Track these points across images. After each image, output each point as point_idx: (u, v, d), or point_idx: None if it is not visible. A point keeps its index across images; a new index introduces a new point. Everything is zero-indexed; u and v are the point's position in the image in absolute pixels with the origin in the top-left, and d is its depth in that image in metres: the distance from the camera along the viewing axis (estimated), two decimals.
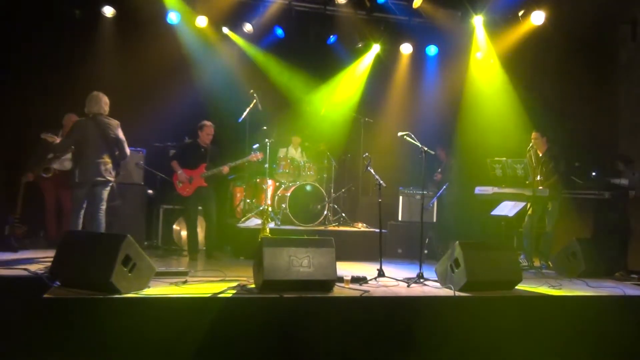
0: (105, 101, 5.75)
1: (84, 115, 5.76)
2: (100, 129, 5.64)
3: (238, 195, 8.23)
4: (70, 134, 5.75)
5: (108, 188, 5.73)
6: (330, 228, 7.69)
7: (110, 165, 5.69)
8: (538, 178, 6.67)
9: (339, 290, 4.72)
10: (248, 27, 8.52)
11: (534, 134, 6.98)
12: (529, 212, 6.87)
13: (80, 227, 5.62)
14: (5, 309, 4.35)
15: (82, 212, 5.63)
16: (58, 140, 6.12)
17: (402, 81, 9.61)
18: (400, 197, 8.27)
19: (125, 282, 4.14)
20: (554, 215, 6.85)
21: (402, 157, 8.52)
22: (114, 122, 5.76)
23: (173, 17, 8.20)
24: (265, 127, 7.88)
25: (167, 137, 7.99)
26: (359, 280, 5.13)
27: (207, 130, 6.76)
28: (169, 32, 8.24)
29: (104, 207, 5.70)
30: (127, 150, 5.87)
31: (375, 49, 9.28)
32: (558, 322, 4.80)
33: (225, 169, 6.78)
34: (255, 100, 7.48)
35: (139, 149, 7.47)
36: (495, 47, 9.07)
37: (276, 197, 7.91)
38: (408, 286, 5.14)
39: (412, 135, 5.88)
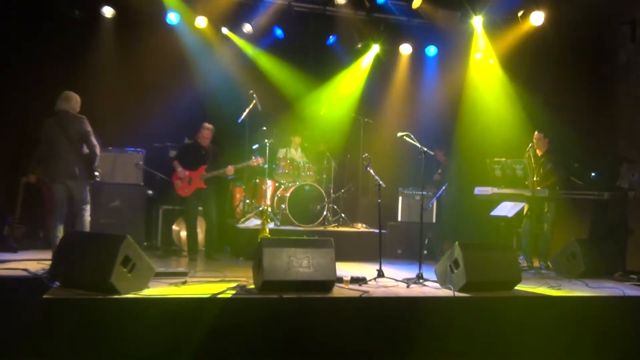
0: (76, 100, 5.63)
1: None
2: (62, 127, 5.49)
3: (237, 195, 8.23)
4: (39, 135, 5.62)
5: (85, 187, 5.57)
6: (330, 228, 7.68)
7: (82, 164, 5.50)
8: (535, 179, 6.67)
9: (338, 291, 4.72)
10: (248, 28, 8.53)
11: (536, 134, 6.99)
12: (528, 212, 6.87)
13: (57, 229, 5.44)
14: (5, 309, 4.35)
15: (60, 212, 5.51)
16: None
17: (402, 82, 9.61)
18: (400, 198, 8.27)
19: (125, 282, 4.14)
20: (550, 216, 6.86)
21: (401, 158, 8.52)
22: (79, 117, 5.56)
23: (172, 18, 8.20)
24: (264, 128, 7.90)
25: (167, 138, 7.99)
26: (358, 280, 5.14)
27: (204, 133, 6.75)
28: (169, 32, 8.24)
29: (85, 206, 5.57)
30: (94, 143, 5.54)
31: (375, 49, 9.28)
32: (558, 322, 4.81)
33: (230, 169, 6.77)
34: (254, 101, 7.48)
35: (138, 149, 7.48)
36: (495, 48, 9.08)
37: (276, 198, 7.91)
38: (407, 287, 5.14)
39: (412, 136, 5.88)
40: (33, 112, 7.07)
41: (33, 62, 7.37)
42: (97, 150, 5.55)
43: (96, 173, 5.57)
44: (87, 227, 5.58)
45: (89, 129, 5.55)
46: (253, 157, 7.11)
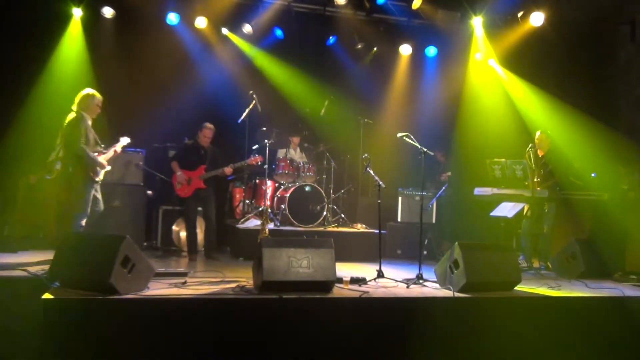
0: (85, 97, 5.58)
1: None
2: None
3: (237, 196, 8.23)
4: None
5: (79, 189, 5.47)
6: (330, 229, 7.68)
7: (74, 164, 5.50)
8: (536, 179, 6.67)
9: (338, 291, 4.72)
10: (247, 28, 8.53)
11: (538, 135, 6.98)
12: (527, 213, 6.87)
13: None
14: (5, 309, 4.35)
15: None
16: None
17: (402, 82, 9.61)
18: (400, 198, 8.27)
19: (125, 282, 4.14)
20: (550, 216, 6.86)
21: (401, 158, 8.52)
22: (72, 115, 5.53)
23: (172, 18, 8.20)
24: (264, 128, 7.89)
25: (167, 138, 7.99)
26: (358, 281, 5.14)
27: (205, 132, 6.77)
28: (169, 33, 8.24)
29: (78, 214, 5.44)
30: (76, 143, 5.43)
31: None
32: (557, 323, 4.81)
33: (228, 169, 6.78)
34: (254, 101, 7.49)
35: (138, 149, 7.48)
36: (495, 48, 9.08)
37: (275, 198, 7.91)
38: (407, 287, 5.14)
39: (412, 136, 5.88)
40: (31, 112, 7.11)
41: (31, 62, 7.37)
42: (81, 151, 5.43)
43: (94, 175, 5.51)
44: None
45: (72, 129, 5.46)
46: (252, 156, 7.12)
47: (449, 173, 8.28)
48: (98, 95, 5.69)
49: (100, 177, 5.60)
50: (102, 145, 5.77)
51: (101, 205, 5.76)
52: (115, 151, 5.82)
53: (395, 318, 4.49)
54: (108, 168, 5.72)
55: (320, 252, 4.62)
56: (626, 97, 8.25)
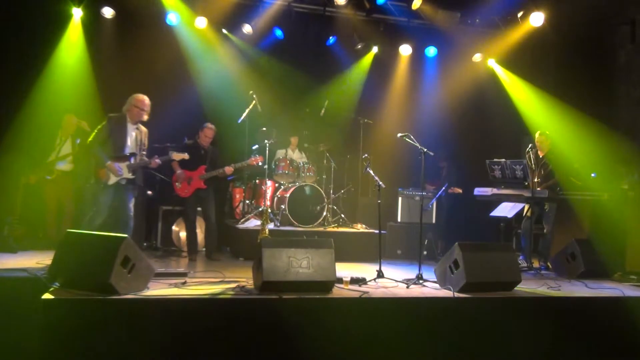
0: (131, 99, 5.70)
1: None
2: None
3: (237, 196, 8.23)
4: None
5: (90, 190, 5.70)
6: (330, 229, 7.68)
7: (92, 165, 5.70)
8: (536, 180, 6.67)
9: (338, 291, 4.72)
10: (247, 28, 8.52)
11: (539, 135, 6.98)
12: (527, 213, 6.87)
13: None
14: (5, 309, 4.35)
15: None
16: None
17: (402, 82, 9.60)
18: (400, 198, 8.27)
19: (124, 283, 4.14)
20: (551, 216, 6.86)
21: (401, 158, 8.52)
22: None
23: (172, 18, 8.19)
24: (264, 128, 7.89)
25: (167, 138, 7.96)
26: (358, 281, 5.14)
27: (206, 132, 6.77)
28: (169, 33, 8.24)
29: (91, 211, 5.59)
30: (90, 146, 5.67)
31: (374, 50, 9.29)
32: (557, 323, 4.81)
33: (229, 169, 6.78)
34: (254, 102, 7.49)
35: None
36: (494, 49, 9.08)
37: (275, 198, 7.91)
38: (407, 287, 5.14)
39: (412, 137, 5.88)
40: (31, 112, 7.10)
41: (31, 63, 7.36)
42: (89, 148, 5.54)
43: (102, 177, 5.50)
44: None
45: (94, 131, 5.59)
46: (252, 156, 7.12)
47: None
48: (141, 97, 5.65)
49: (111, 181, 5.54)
50: (136, 153, 5.74)
51: (125, 209, 5.69)
52: (155, 162, 5.82)
53: (395, 318, 4.49)
54: (123, 175, 5.62)
55: (320, 252, 4.62)
56: (626, 97, 8.26)
